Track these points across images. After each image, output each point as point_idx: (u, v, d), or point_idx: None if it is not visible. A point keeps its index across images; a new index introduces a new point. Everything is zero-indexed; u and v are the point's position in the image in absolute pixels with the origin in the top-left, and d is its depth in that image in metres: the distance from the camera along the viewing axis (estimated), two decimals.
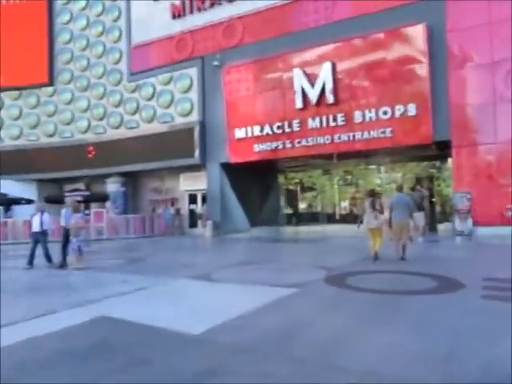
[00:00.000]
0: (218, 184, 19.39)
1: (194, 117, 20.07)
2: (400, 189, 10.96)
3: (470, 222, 13.25)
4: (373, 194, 10.20)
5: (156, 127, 21.01)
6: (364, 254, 10.38)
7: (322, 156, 18.24)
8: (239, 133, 18.57)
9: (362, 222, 9.84)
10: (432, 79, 14.97)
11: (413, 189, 14.12)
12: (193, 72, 20.19)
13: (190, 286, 7.39)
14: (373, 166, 22.19)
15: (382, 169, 23.65)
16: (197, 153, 19.43)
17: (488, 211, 14.02)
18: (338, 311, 5.33)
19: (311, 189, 25.62)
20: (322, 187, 25.03)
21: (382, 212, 9.56)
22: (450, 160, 18.67)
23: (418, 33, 15.18)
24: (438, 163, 19.05)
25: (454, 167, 14.88)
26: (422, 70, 15.13)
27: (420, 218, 11.88)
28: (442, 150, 16.05)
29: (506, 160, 13.97)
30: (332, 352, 3.86)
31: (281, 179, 23.57)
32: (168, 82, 20.95)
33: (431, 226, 14.60)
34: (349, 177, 24.13)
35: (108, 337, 4.53)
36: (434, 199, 18.20)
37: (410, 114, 15.27)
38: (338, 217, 21.56)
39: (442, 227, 17.21)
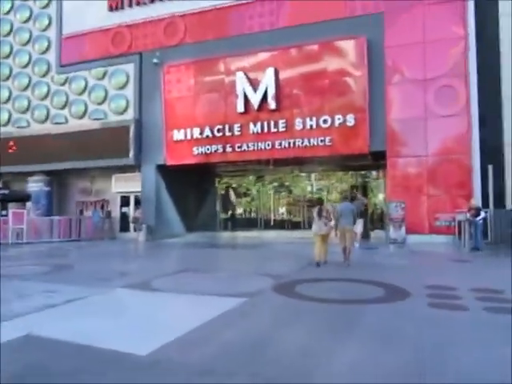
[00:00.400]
0: (154, 187, 18.55)
1: (130, 115, 19.09)
2: (345, 197, 11.42)
3: (403, 230, 13.80)
4: (320, 203, 10.53)
5: (87, 124, 19.69)
6: (306, 261, 10.37)
7: (261, 162, 18.13)
8: (178, 134, 17.93)
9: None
10: (370, 92, 15.48)
11: (353, 198, 14.43)
12: (129, 68, 19.23)
13: (129, 297, 6.76)
14: (303, 174, 22.47)
15: (313, 176, 24.01)
16: (131, 153, 18.45)
17: (418, 220, 14.74)
18: (294, 323, 5.08)
19: (245, 194, 25.57)
20: (256, 193, 25.10)
21: (329, 219, 9.92)
22: (382, 170, 19.64)
23: (358, 46, 15.65)
24: (372, 173, 19.78)
25: (388, 177, 15.47)
26: (361, 82, 15.60)
27: (359, 224, 12.19)
28: (377, 160, 16.61)
29: (435, 172, 14.79)
30: (301, 370, 3.58)
31: (218, 184, 23.18)
32: (102, 77, 19.76)
33: (364, 233, 15.02)
34: (284, 183, 24.25)
35: (34, 362, 3.88)
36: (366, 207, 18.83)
37: (348, 124, 15.65)
38: (274, 223, 21.60)
39: (373, 234, 17.84)
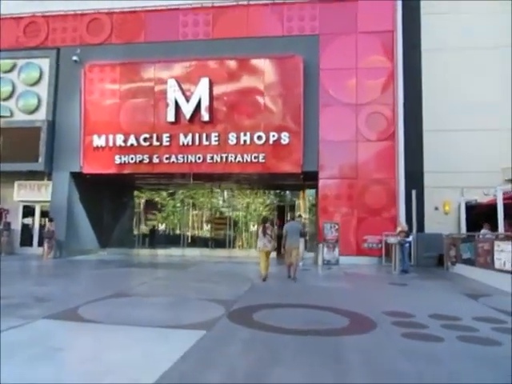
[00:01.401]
0: (66, 197, 16.55)
1: (41, 115, 16.97)
2: (293, 217, 11.59)
3: (336, 251, 13.79)
4: (264, 221, 10.99)
5: None
6: (247, 282, 9.77)
7: (185, 175, 17.09)
8: (98, 140, 16.30)
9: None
10: (305, 111, 15.50)
11: (293, 218, 14.16)
12: (44, 63, 17.20)
13: (58, 331, 5.49)
14: (218, 190, 21.72)
15: (226, 193, 23.31)
16: (41, 158, 16.32)
17: (347, 241, 14.92)
18: (278, 363, 4.36)
19: (161, 209, 24.13)
20: (172, 208, 23.83)
21: (272, 237, 10.66)
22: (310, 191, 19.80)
23: (295, 65, 15.64)
24: (299, 193, 19.84)
25: (320, 198, 15.49)
26: (297, 101, 15.57)
27: (301, 244, 11.94)
28: (308, 180, 16.61)
29: (364, 195, 15.16)
30: None
31: (136, 197, 21.55)
32: (9, 70, 17.40)
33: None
34: (198, 199, 23.20)
35: None
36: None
37: (283, 142, 15.47)
38: (196, 240, 20.57)
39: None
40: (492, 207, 14.80)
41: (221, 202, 21.12)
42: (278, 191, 20.57)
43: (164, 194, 21.79)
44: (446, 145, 16.24)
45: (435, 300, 8.38)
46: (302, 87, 15.54)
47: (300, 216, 17.70)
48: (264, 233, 10.51)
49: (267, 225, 10.83)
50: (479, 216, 15.32)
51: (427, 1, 17.12)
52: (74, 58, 16.68)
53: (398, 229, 13.23)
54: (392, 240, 12.56)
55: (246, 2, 16.40)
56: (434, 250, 14.70)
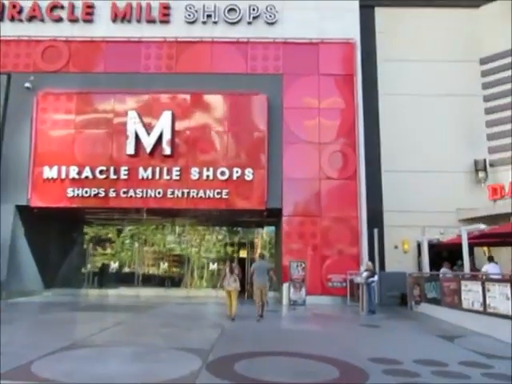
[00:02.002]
0: (9, 232, 15.14)
1: None
2: (262, 256, 11.57)
3: (303, 291, 13.43)
4: (231, 260, 11.24)
5: None
6: (218, 327, 9.12)
7: (139, 211, 16.26)
8: (49, 172, 15.24)
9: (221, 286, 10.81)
10: (269, 149, 15.44)
11: (262, 256, 13.66)
12: None
13: None
14: (174, 226, 21.01)
15: (182, 229, 22.57)
16: None
17: (312, 280, 14.62)
18: None
19: (111, 246, 22.89)
20: (122, 244, 22.64)
21: (239, 276, 10.61)
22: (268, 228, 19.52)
23: (259, 102, 15.69)
24: (259, 230, 19.50)
25: (284, 236, 15.22)
26: (261, 138, 15.52)
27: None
28: (272, 217, 16.35)
29: (328, 233, 15.10)
30: None
31: (86, 232, 20.23)
32: None
33: None
34: (149, 236, 22.23)
35: None
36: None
37: (246, 178, 15.23)
38: (151, 279, 19.47)
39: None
40: (450, 247, 15.32)
41: (177, 239, 20.29)
42: (236, 228, 20.11)
43: (115, 229, 20.66)
44: (403, 185, 16.72)
45: (412, 343, 8.20)
46: (266, 124, 15.54)
47: (263, 255, 17.28)
48: (231, 272, 10.55)
49: (234, 264, 10.92)
50: (437, 255, 15.75)
51: (382, 48, 18.04)
52: (27, 84, 15.76)
53: (363, 268, 13.16)
54: (358, 279, 12.44)
55: (210, 39, 16.43)
56: (396, 289, 14.78)
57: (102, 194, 15.16)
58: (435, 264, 14.38)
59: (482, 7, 18.24)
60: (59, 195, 15.22)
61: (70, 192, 15.16)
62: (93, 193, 15.16)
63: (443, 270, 13.56)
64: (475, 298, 9.75)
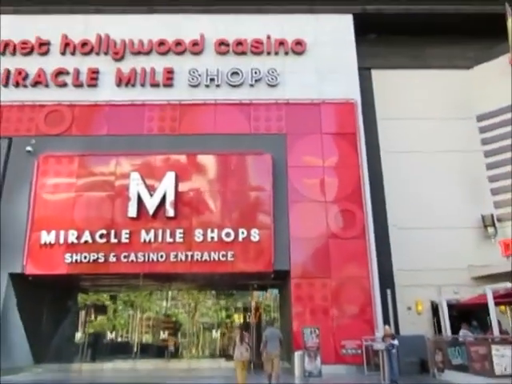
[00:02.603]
0: (0, 304, 14.22)
1: None
2: (271, 323, 10.71)
3: (318, 360, 12.48)
4: (241, 327, 10.94)
5: None
6: None
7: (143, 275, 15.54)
8: (47, 237, 14.63)
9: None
10: (275, 208, 15.10)
11: (272, 323, 12.89)
12: None
13: None
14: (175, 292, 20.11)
15: (177, 295, 21.60)
16: None
17: (326, 348, 13.67)
18: None
19: (107, 313, 21.75)
20: (117, 312, 21.51)
21: (250, 345, 10.17)
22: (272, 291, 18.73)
23: (264, 162, 15.58)
24: (261, 293, 18.67)
25: (293, 300, 14.46)
26: (266, 197, 15.24)
27: None
28: (278, 279, 15.66)
29: (339, 295, 14.37)
30: None
31: (82, 300, 19.22)
32: None
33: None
34: (154, 302, 21.27)
35: None
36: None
37: (253, 239, 14.74)
38: (150, 349, 18.26)
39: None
40: (468, 307, 14.65)
41: (176, 305, 19.34)
42: (239, 291, 19.27)
43: (111, 295, 19.71)
44: (411, 242, 16.33)
45: None
46: (271, 184, 15.32)
47: (272, 321, 16.37)
48: (241, 341, 9.99)
49: (245, 332, 10.42)
50: (453, 316, 15.03)
51: (381, 108, 18.36)
52: (28, 148, 15.59)
53: (380, 333, 12.35)
54: (379, 346, 11.61)
55: (213, 101, 16.62)
56: (415, 355, 13.81)
57: (102, 259, 14.48)
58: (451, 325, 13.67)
59: (474, 68, 18.86)
60: (56, 261, 14.50)
61: (67, 258, 14.46)
62: (92, 258, 14.47)
63: (463, 332, 12.84)
64: (508, 363, 9.03)
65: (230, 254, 14.58)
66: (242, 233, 14.76)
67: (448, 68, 18.94)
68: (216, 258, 14.52)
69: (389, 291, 14.63)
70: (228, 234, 14.75)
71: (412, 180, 17.33)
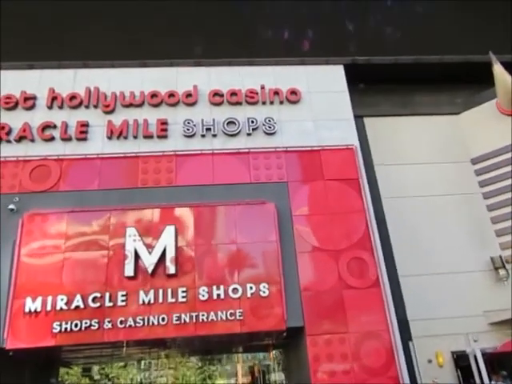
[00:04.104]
0: None
1: None
2: None
3: None
4: None
5: None
6: None
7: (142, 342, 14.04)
8: (32, 304, 13.00)
9: None
10: (283, 259, 14.17)
11: None
12: None
13: None
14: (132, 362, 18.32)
15: (176, 362, 20.07)
16: None
17: None
18: None
19: None
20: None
21: None
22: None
23: (267, 212, 14.84)
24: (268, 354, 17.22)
25: (311, 359, 13.15)
26: (273, 249, 14.33)
27: None
28: (290, 338, 14.39)
29: (359, 352, 13.21)
30: None
31: (64, 376, 17.12)
32: None
33: None
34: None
35: None
36: None
37: (262, 294, 13.61)
38: None
39: None
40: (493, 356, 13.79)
41: (174, 373, 17.51)
42: (244, 353, 17.74)
43: (100, 368, 17.71)
44: (421, 290, 15.71)
45: None
46: (277, 234, 14.48)
47: None
48: None
49: None
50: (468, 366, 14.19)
51: (377, 154, 18.28)
52: (11, 206, 14.31)
53: None
54: None
55: (210, 151, 16.05)
56: None
57: (96, 326, 12.90)
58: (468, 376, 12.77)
59: (464, 113, 19.29)
60: (43, 332, 12.80)
61: (56, 327, 12.79)
62: (84, 325, 12.88)
63: None
64: None
65: (238, 312, 13.34)
66: (251, 288, 13.63)
67: (437, 114, 19.31)
68: (224, 318, 13.23)
69: (411, 344, 13.64)
70: (235, 290, 13.58)
71: (416, 225, 16.99)
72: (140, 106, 16.76)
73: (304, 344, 13.51)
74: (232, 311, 13.31)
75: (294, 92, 17.42)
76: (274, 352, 18.98)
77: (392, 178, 17.77)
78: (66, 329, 12.82)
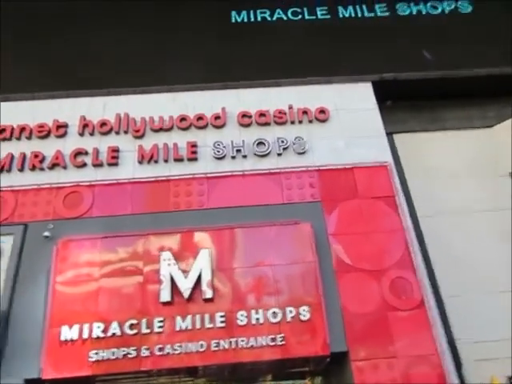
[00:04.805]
0: None
1: None
2: None
3: None
4: None
5: None
6: None
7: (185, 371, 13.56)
8: (68, 332, 12.72)
9: None
10: (323, 282, 13.67)
11: None
12: (5, 241, 14.39)
13: None
14: None
15: None
16: None
17: None
18: None
19: None
20: None
21: None
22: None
23: (303, 232, 14.44)
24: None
25: None
26: (312, 270, 13.84)
27: None
28: (335, 364, 13.70)
29: (410, 380, 12.47)
30: None
31: None
32: None
33: None
34: None
35: None
36: None
37: (302, 318, 13.07)
38: None
39: None
40: None
41: None
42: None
43: None
44: (467, 311, 14.91)
45: None
46: (315, 255, 14.03)
47: None
48: None
49: None
50: None
51: (409, 171, 17.84)
52: (46, 233, 14.24)
53: None
54: None
55: (241, 172, 15.88)
56: None
57: (133, 354, 12.50)
58: None
59: (495, 127, 18.83)
60: (79, 361, 12.45)
61: (92, 355, 12.44)
62: (121, 354, 12.50)
63: None
64: None
65: (279, 337, 12.79)
66: (290, 311, 13.12)
67: (469, 128, 18.90)
68: (264, 344, 12.69)
69: (463, 367, 12.83)
70: (275, 315, 13.09)
71: (455, 243, 16.32)
72: (169, 129, 16.81)
73: (349, 370, 12.83)
74: (273, 336, 12.78)
75: (322, 111, 17.28)
76: (309, 379, 18.16)
77: (427, 195, 17.26)
78: (102, 357, 12.45)
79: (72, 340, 12.67)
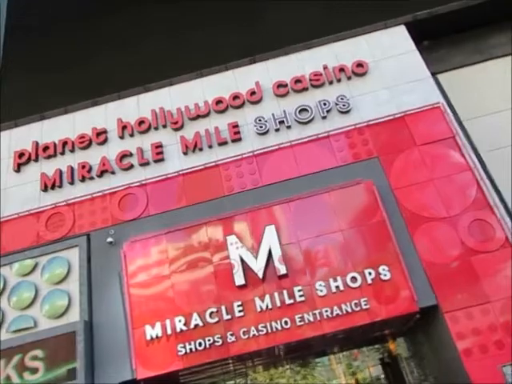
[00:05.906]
0: None
1: (74, 316, 13.56)
2: None
3: None
4: None
5: (4, 342, 13.35)
6: None
7: (269, 351, 13.36)
8: (152, 331, 12.75)
9: None
10: (397, 238, 13.03)
11: None
12: (72, 254, 14.54)
13: None
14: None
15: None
16: (81, 373, 12.34)
17: None
18: None
19: None
20: None
21: None
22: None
23: (366, 190, 13.82)
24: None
25: (455, 338, 11.83)
26: (383, 228, 13.24)
27: None
28: (424, 319, 13.15)
29: (467, 330, 11.73)
30: None
31: None
32: (29, 272, 14.49)
33: None
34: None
35: None
36: None
37: (383, 277, 12.54)
38: None
39: None
40: None
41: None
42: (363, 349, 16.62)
43: None
44: None
45: None
46: (383, 212, 13.39)
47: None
48: None
49: None
50: None
51: (461, 109, 16.71)
52: (109, 239, 14.27)
53: None
54: None
55: (288, 143, 15.32)
56: None
57: (220, 342, 12.39)
58: None
59: None
60: (169, 356, 12.48)
61: (180, 349, 12.42)
62: (208, 343, 12.41)
63: None
64: None
65: (363, 301, 12.34)
66: (369, 273, 12.61)
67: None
68: (349, 310, 12.27)
69: None
70: (354, 279, 12.62)
71: None
72: (207, 115, 16.42)
73: (442, 323, 12.23)
74: (356, 301, 12.34)
75: (359, 64, 16.40)
76: (391, 342, 17.72)
77: (484, 131, 16.10)
78: (190, 349, 12.41)
79: (158, 337, 12.69)
